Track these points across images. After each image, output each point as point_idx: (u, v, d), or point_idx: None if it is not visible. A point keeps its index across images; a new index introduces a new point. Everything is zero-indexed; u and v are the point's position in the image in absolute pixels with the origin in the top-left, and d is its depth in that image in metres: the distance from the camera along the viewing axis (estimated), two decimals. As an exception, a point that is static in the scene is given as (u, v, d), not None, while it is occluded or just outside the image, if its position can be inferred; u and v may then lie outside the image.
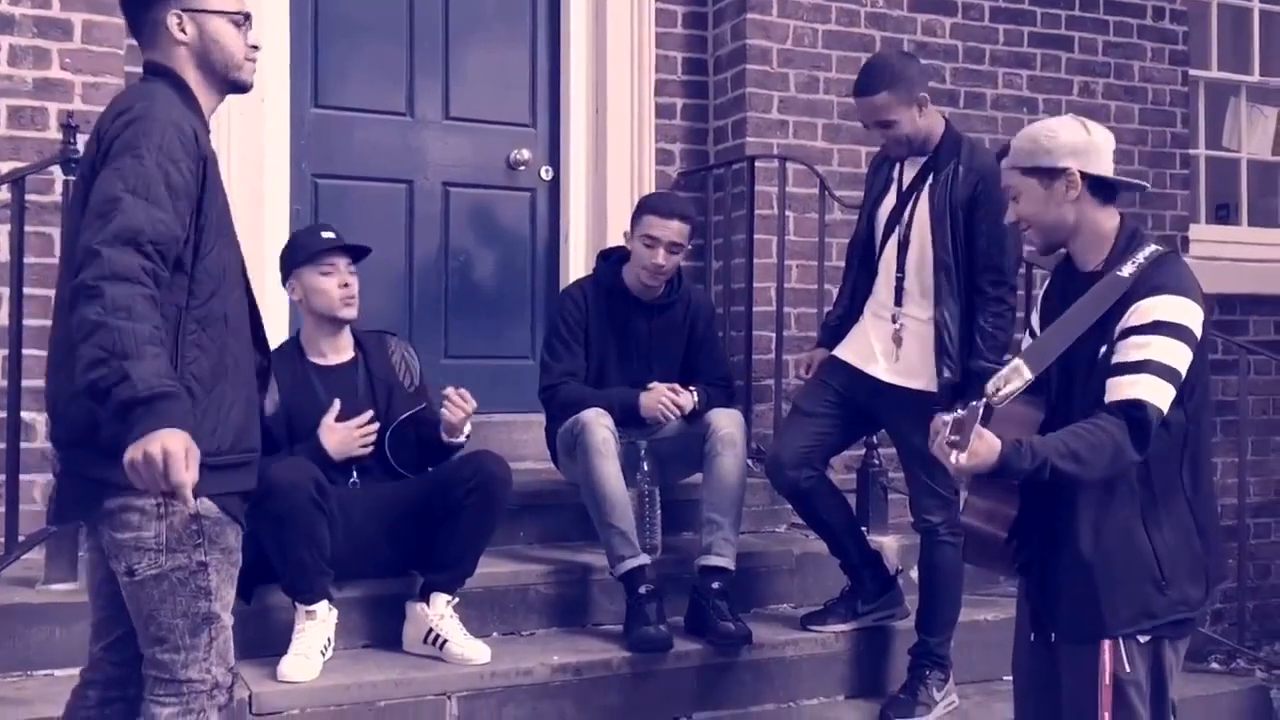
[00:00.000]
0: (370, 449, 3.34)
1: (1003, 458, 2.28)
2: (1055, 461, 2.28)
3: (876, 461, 4.17)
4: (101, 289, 1.98)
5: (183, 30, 2.26)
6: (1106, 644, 2.35)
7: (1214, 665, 4.64)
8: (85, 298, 1.98)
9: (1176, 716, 2.52)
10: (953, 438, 2.24)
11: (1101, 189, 2.46)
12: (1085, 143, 2.45)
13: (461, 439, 3.40)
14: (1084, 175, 2.43)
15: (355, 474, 3.36)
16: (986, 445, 2.27)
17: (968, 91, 4.98)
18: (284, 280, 3.45)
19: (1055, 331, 2.43)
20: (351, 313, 3.39)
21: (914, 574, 3.59)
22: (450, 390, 3.34)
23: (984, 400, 2.29)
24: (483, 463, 3.28)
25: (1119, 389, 2.30)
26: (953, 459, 2.24)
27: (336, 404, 3.33)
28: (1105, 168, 2.46)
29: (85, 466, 2.19)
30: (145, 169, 2.08)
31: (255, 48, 2.35)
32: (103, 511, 2.18)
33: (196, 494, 2.04)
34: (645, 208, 3.80)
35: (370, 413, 3.35)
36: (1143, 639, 2.35)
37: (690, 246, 3.90)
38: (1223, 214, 5.92)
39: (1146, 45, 5.31)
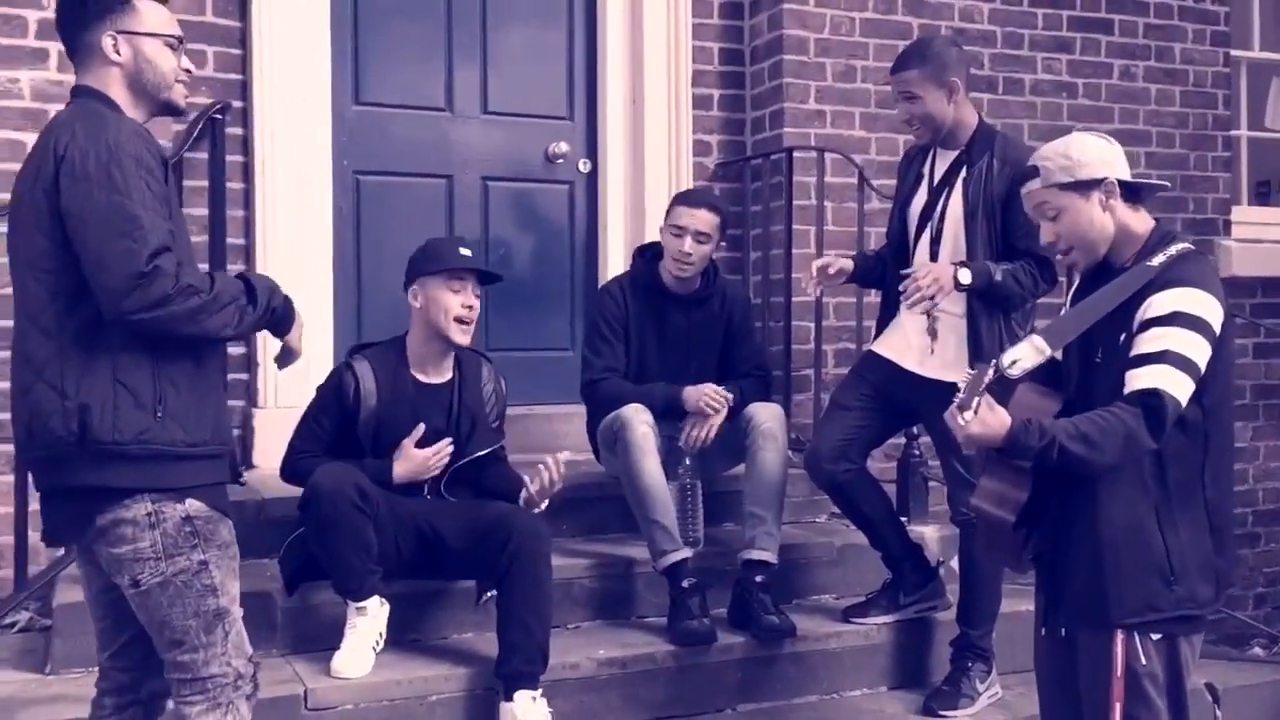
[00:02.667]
0: (438, 472, 3.32)
1: (1011, 433, 2.31)
2: (1064, 441, 2.30)
3: (917, 452, 4.19)
4: (190, 287, 2.16)
5: (117, 51, 2.29)
6: (1119, 636, 2.37)
7: (1257, 650, 4.64)
8: (179, 296, 2.14)
9: (1219, 704, 2.54)
10: (961, 397, 2.27)
11: (1130, 194, 2.50)
12: (1111, 152, 2.50)
13: (537, 510, 3.33)
14: (1119, 182, 2.47)
15: (426, 490, 3.36)
16: (997, 418, 2.31)
17: (1006, 77, 4.95)
18: (407, 285, 3.37)
19: (1076, 313, 2.46)
20: (464, 339, 3.33)
21: (955, 564, 3.61)
22: (548, 463, 3.26)
23: (993, 363, 2.32)
24: (512, 531, 3.15)
25: (1135, 380, 2.32)
26: (960, 421, 2.27)
27: (420, 428, 3.29)
28: (1128, 173, 2.52)
29: (72, 476, 2.21)
30: (136, 183, 2.15)
31: (188, 70, 2.39)
32: (95, 530, 2.22)
33: (186, 493, 2.22)
34: (675, 199, 3.90)
35: (449, 440, 3.32)
36: (1155, 635, 2.38)
37: (723, 241, 3.92)
38: (1263, 191, 5.86)
39: (1188, 27, 5.26)
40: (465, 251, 3.35)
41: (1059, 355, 2.55)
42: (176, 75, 2.36)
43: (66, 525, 2.30)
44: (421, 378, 3.37)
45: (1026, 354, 2.35)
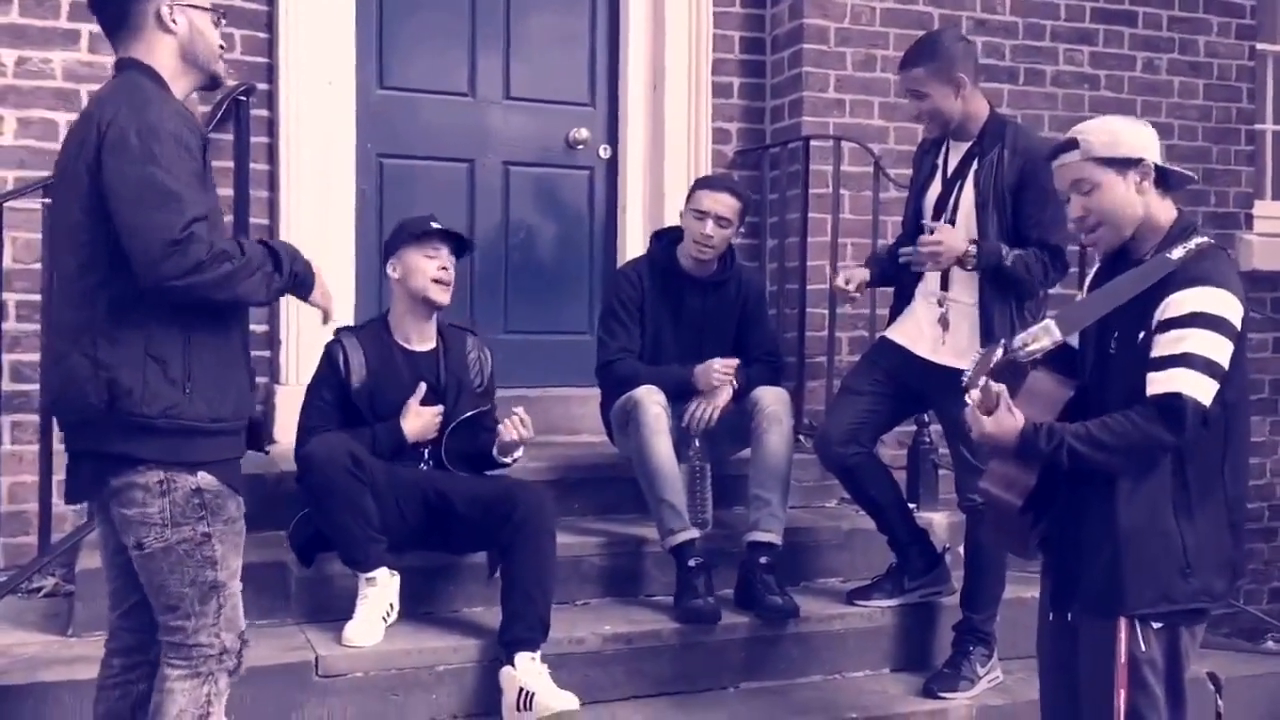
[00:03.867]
0: (435, 434, 3.43)
1: (1022, 435, 2.36)
2: (1072, 443, 2.34)
3: (928, 439, 4.22)
4: (223, 253, 2.24)
5: (174, 20, 2.35)
6: (1123, 623, 2.39)
7: (1270, 644, 4.64)
8: (212, 262, 2.21)
9: (1221, 693, 2.55)
10: (967, 377, 2.33)
11: (1162, 181, 2.50)
12: (1148, 136, 2.51)
13: (509, 461, 3.46)
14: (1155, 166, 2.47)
15: (427, 456, 3.46)
16: (1011, 420, 2.37)
17: (1027, 68, 4.96)
18: (385, 260, 3.53)
19: (1092, 300, 2.48)
20: (444, 297, 3.45)
21: (961, 550, 3.65)
22: (517, 412, 3.37)
23: (1001, 344, 2.36)
24: (517, 503, 3.24)
25: (1156, 383, 2.33)
26: (967, 400, 2.33)
27: (422, 387, 3.41)
28: (1161, 161, 2.51)
29: (95, 442, 2.30)
30: (177, 158, 2.22)
31: (223, 45, 2.47)
32: (109, 489, 2.31)
33: (200, 466, 2.29)
34: (697, 184, 3.95)
35: (441, 406, 3.44)
36: (1157, 624, 2.39)
37: (742, 228, 3.98)
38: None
39: (1212, 20, 5.24)
40: (435, 224, 3.49)
41: (1074, 342, 2.58)
42: (219, 48, 2.44)
43: (85, 485, 2.38)
44: (406, 345, 3.49)
45: (1038, 338, 2.39)
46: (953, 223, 3.46)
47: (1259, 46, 5.43)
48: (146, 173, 2.19)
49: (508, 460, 3.47)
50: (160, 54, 2.36)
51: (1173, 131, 5.18)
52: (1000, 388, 2.39)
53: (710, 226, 3.78)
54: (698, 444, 3.75)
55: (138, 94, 2.28)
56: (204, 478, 2.32)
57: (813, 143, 4.51)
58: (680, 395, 3.76)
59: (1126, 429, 2.33)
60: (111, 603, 2.52)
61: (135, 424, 2.25)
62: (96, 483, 2.33)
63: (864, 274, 3.62)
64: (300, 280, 2.44)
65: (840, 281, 3.58)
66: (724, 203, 3.79)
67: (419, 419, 3.40)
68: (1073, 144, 2.50)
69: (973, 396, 2.33)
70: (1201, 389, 2.31)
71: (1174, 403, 2.31)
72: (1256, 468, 5.31)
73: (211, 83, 2.48)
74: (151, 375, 2.25)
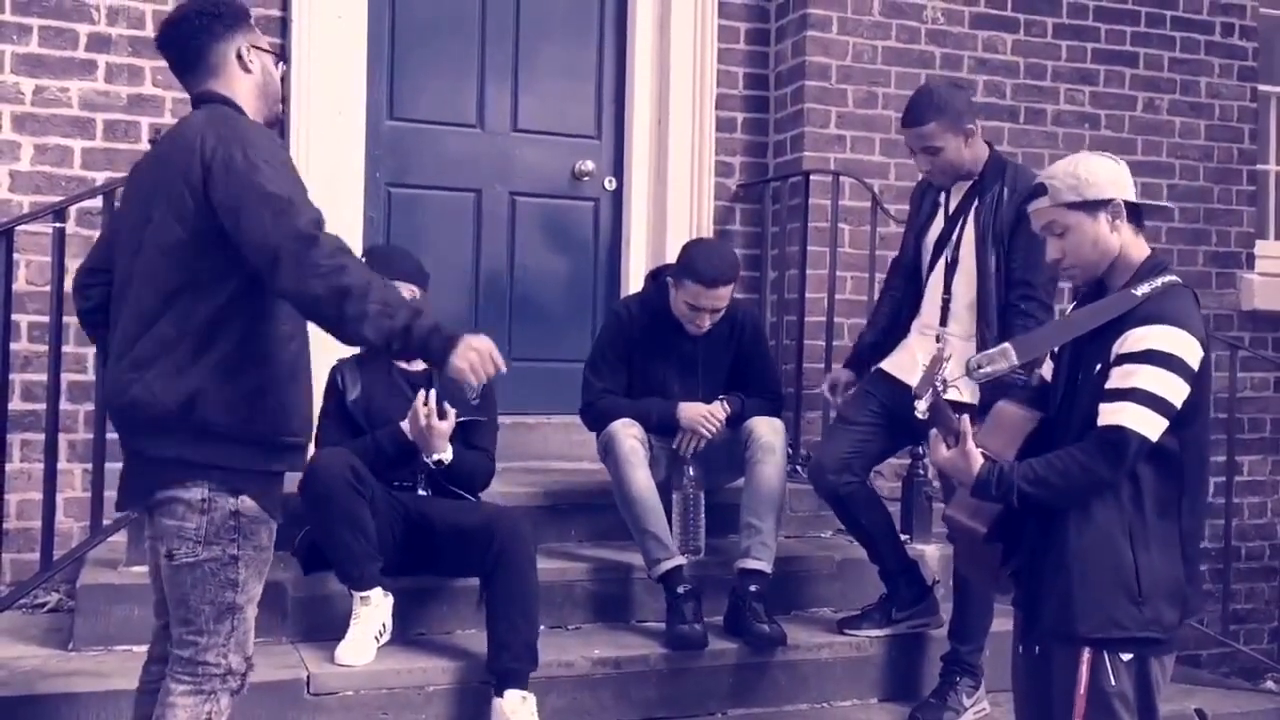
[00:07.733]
0: (447, 453, 3.43)
1: (977, 480, 2.41)
2: (1020, 485, 2.39)
3: (922, 471, 4.26)
4: (344, 263, 2.24)
5: (250, 61, 2.45)
6: (1086, 654, 2.40)
7: (1270, 685, 4.63)
8: (334, 270, 2.21)
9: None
10: (915, 388, 2.38)
11: (1134, 216, 2.53)
12: (1118, 172, 2.52)
13: (436, 458, 3.44)
14: (1125, 203, 2.50)
15: (424, 482, 3.52)
16: (969, 460, 2.42)
17: (1028, 107, 5.02)
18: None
19: (1051, 328, 2.53)
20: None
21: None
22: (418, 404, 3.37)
23: (948, 356, 2.41)
24: (494, 533, 3.30)
25: (1103, 415, 2.38)
26: (917, 414, 2.39)
27: (422, 394, 3.42)
28: (1134, 195, 2.54)
29: (159, 448, 2.34)
30: (285, 176, 2.29)
31: (282, 81, 2.56)
32: (155, 500, 2.38)
33: (242, 489, 2.34)
34: (690, 272, 3.70)
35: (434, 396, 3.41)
36: (1125, 655, 2.40)
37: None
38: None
39: (1214, 61, 5.30)
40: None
41: (1046, 374, 2.64)
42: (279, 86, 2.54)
43: (135, 494, 2.45)
44: (403, 365, 3.57)
45: (995, 360, 2.42)
46: (956, 259, 3.51)
47: (1261, 88, 5.48)
48: (256, 182, 2.25)
49: (434, 459, 3.43)
50: (240, 92, 2.44)
51: (1174, 171, 5.24)
52: (966, 426, 2.44)
53: (706, 319, 3.77)
54: (691, 472, 3.79)
55: (234, 122, 2.35)
56: (244, 502, 2.37)
57: (813, 177, 4.58)
58: (664, 430, 3.80)
59: (1069, 465, 2.38)
60: (156, 610, 2.59)
61: (205, 431, 2.31)
62: (146, 492, 2.39)
63: (847, 376, 3.73)
64: (420, 345, 2.30)
65: (826, 389, 3.74)
66: (720, 296, 3.72)
67: (418, 420, 3.39)
68: (1042, 189, 2.54)
69: (919, 407, 2.38)
70: (1146, 424, 2.34)
71: (1115, 436, 2.35)
72: (1257, 507, 5.33)
73: (274, 121, 2.56)
74: (228, 387, 2.31)
